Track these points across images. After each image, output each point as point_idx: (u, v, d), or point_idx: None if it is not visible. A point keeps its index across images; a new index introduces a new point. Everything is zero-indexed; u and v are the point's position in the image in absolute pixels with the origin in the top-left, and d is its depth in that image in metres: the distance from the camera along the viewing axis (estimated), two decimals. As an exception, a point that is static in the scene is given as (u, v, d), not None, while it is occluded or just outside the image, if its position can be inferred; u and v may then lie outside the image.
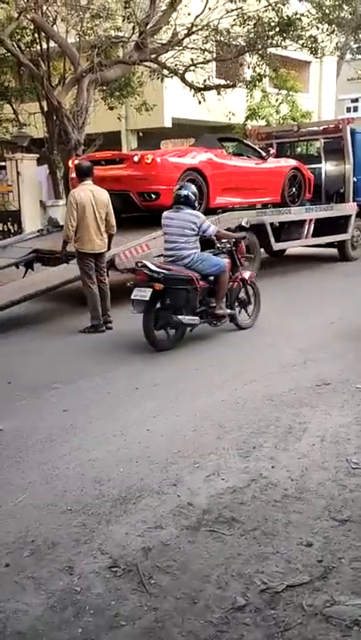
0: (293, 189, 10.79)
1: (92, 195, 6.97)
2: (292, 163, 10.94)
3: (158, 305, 6.15)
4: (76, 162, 7.80)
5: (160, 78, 13.47)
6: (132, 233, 8.56)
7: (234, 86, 13.92)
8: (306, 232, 11.07)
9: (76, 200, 6.91)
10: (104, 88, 14.01)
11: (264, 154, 10.37)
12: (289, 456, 3.84)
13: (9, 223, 13.24)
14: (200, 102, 13.38)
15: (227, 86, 13.83)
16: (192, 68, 13.20)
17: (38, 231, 10.19)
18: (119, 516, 3.23)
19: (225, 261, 6.68)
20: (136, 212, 8.77)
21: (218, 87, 13.64)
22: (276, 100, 18.63)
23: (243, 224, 7.58)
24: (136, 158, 8.51)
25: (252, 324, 7.18)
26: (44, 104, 13.94)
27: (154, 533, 3.07)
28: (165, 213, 6.57)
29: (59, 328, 7.35)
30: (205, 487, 3.50)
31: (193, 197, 6.53)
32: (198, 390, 5.11)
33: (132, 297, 6.05)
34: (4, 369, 5.86)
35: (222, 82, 14.50)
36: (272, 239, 10.27)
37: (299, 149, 13.69)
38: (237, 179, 9.64)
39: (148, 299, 5.98)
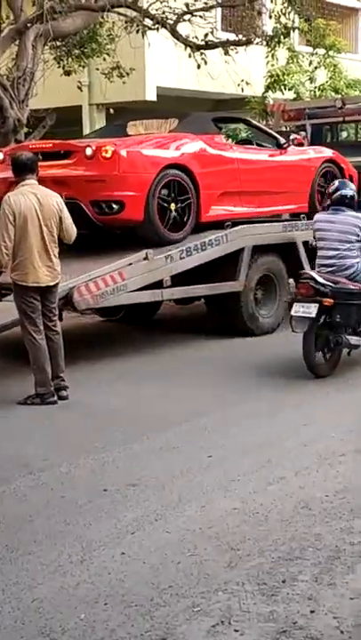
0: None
1: (36, 201, 7.04)
2: (326, 153, 11.18)
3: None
4: (14, 154, 7.90)
5: (140, 31, 13.77)
6: (94, 257, 8.65)
7: (249, 43, 14.22)
8: None
9: (12, 209, 6.95)
10: (58, 45, 14.29)
11: (283, 141, 10.57)
12: (337, 594, 3.81)
13: None
14: (199, 66, 13.65)
15: (238, 43, 14.14)
16: (187, 16, 13.52)
17: None
18: None
19: None
20: (88, 228, 8.56)
21: (225, 44, 13.94)
22: (310, 63, 19.07)
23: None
24: (89, 151, 8.58)
25: None
26: (-31, 67, 14.20)
27: None
28: (321, 215, 8.17)
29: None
30: (210, 643, 3.45)
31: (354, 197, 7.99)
32: (197, 493, 5.09)
33: (293, 313, 7.52)
34: None
35: (232, 37, 14.83)
36: (306, 264, 10.38)
37: (345, 134, 13.97)
38: (243, 178, 9.77)
39: (313, 315, 7.41)
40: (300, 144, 11.41)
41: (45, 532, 4.57)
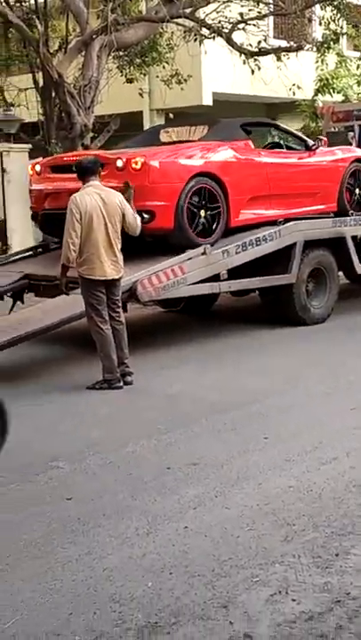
0: (358, 191, 10.69)
1: (100, 200, 7.11)
2: (355, 153, 10.92)
3: None
4: (76, 159, 7.90)
5: (198, 40, 13.77)
6: (155, 254, 8.64)
7: (300, 49, 14.16)
8: None
9: (79, 208, 7.03)
10: (120, 54, 14.38)
11: (311, 143, 10.35)
12: (387, 568, 3.79)
13: (-11, 238, 13.54)
14: (253, 72, 13.62)
15: (289, 50, 14.09)
16: (241, 25, 13.49)
17: (30, 250, 10.40)
18: (148, 650, 3.22)
19: None
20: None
21: (277, 51, 13.88)
22: (358, 67, 18.90)
23: None
24: (120, 163, 8.43)
25: None
26: (40, 77, 14.35)
27: None
28: None
29: (59, 383, 7.43)
30: (269, 611, 3.47)
31: None
32: (254, 472, 5.10)
33: None
34: (-17, 440, 5.92)
35: (283, 44, 14.75)
36: (355, 258, 10.29)
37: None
38: (272, 182, 9.55)
39: None
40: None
41: (114, 507, 4.63)
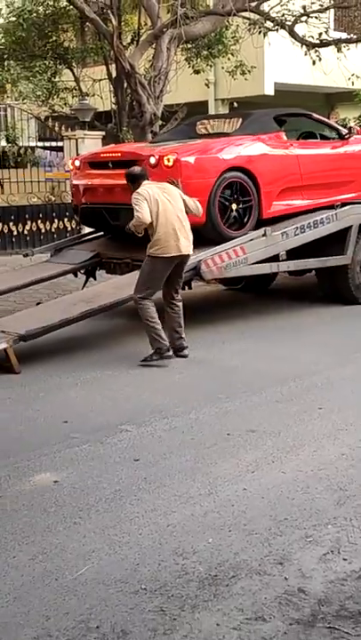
0: None
1: (159, 189, 7.10)
2: None
3: None
4: (125, 171, 7.61)
5: (262, 32, 13.60)
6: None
7: (359, 41, 13.87)
8: None
9: (143, 196, 6.97)
10: (189, 47, 14.30)
11: (345, 131, 9.98)
12: None
13: (65, 220, 13.63)
14: (314, 62, 13.39)
15: (350, 41, 13.78)
16: (304, 18, 13.26)
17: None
18: (208, 600, 3.25)
19: None
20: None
21: (338, 42, 13.61)
22: None
23: None
24: (153, 160, 8.13)
25: None
26: (113, 68, 14.38)
27: (254, 626, 3.06)
28: None
29: (128, 353, 7.48)
30: (322, 569, 3.48)
31: None
32: (309, 440, 5.10)
33: None
34: (57, 405, 6.04)
35: (344, 36, 14.47)
36: None
37: None
38: (304, 173, 9.21)
39: None
40: None
41: (178, 468, 4.67)
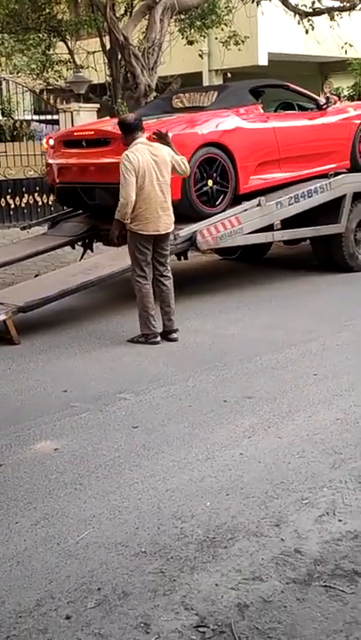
0: None
1: (151, 155, 6.67)
2: None
3: None
4: (118, 118, 7.32)
5: (255, 2, 13.42)
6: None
7: (352, 9, 13.70)
8: None
9: (133, 166, 6.57)
10: (182, 17, 14.12)
11: (322, 102, 9.72)
12: None
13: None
14: (307, 31, 13.26)
15: (343, 9, 13.64)
16: (296, -14, 13.11)
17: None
18: (206, 562, 3.27)
19: None
20: None
21: (331, 10, 13.46)
22: None
23: None
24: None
25: None
26: (107, 40, 14.19)
27: (251, 586, 3.09)
28: None
29: (125, 323, 7.46)
30: (317, 530, 3.51)
31: None
32: (305, 405, 5.12)
33: None
34: (57, 374, 6.04)
35: (336, 4, 14.28)
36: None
37: None
38: (281, 146, 8.94)
39: None
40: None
41: (175, 435, 4.69)
